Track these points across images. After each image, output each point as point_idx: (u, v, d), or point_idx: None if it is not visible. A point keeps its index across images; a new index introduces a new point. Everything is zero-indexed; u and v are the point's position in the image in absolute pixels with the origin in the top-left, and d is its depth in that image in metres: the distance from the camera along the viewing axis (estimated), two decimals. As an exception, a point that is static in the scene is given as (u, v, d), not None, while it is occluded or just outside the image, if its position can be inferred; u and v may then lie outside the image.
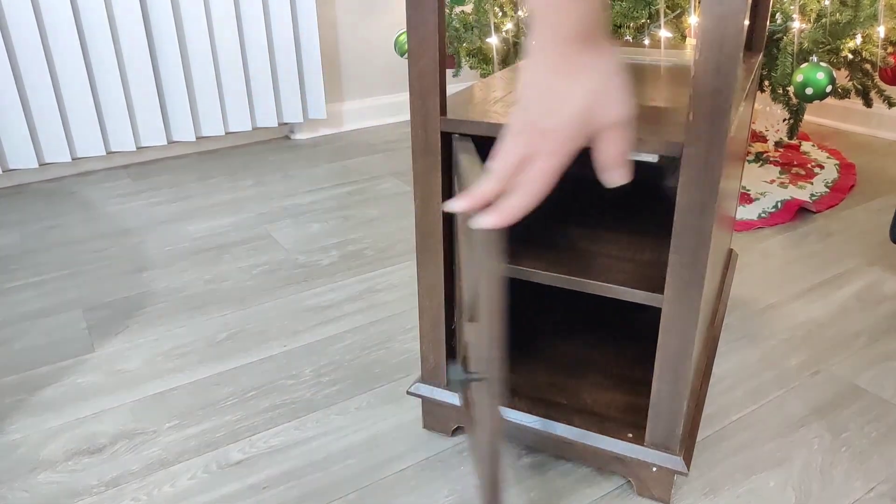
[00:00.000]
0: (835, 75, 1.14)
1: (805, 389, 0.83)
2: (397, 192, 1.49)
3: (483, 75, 1.49)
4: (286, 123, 1.87)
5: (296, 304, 1.03)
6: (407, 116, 2.07)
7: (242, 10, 1.65)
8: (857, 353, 0.89)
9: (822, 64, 1.13)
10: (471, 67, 1.48)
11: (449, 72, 1.89)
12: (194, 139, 1.69)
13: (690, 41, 1.18)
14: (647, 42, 1.22)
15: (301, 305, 1.03)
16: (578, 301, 0.89)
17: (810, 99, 1.14)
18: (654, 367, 0.62)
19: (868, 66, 1.39)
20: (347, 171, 1.63)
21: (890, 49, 1.35)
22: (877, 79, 1.41)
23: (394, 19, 1.95)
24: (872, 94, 1.42)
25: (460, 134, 0.62)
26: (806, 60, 1.19)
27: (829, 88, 1.13)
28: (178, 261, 1.19)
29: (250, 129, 1.75)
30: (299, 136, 1.90)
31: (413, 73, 0.61)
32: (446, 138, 0.62)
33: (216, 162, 1.72)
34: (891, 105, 1.44)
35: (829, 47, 1.20)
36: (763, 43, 0.86)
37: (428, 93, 0.61)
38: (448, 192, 0.64)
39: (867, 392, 0.82)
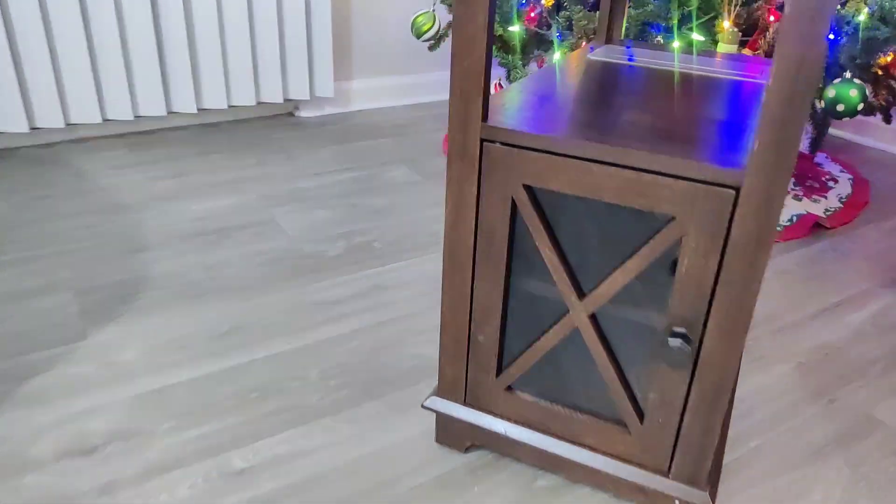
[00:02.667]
0: (868, 92, 1.11)
1: (822, 418, 0.81)
2: (407, 182, 1.44)
3: (503, 64, 1.44)
4: (291, 100, 1.80)
5: (301, 298, 0.99)
6: (419, 99, 2.00)
7: (251, -21, 1.58)
8: (872, 381, 0.88)
9: (856, 80, 1.10)
10: (489, 56, 1.42)
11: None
12: (195, 111, 1.62)
13: (723, 47, 1.14)
14: (675, 45, 1.18)
15: (306, 300, 0.99)
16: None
17: (840, 116, 1.11)
18: (687, 397, 0.59)
19: (893, 83, 1.36)
20: (355, 155, 1.57)
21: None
22: (902, 96, 1.38)
23: (409, -3, 1.87)
24: (893, 110, 1.39)
25: (501, 143, 0.57)
26: (839, 76, 1.16)
27: (860, 106, 1.09)
28: (177, 243, 1.14)
29: (254, 103, 1.68)
30: (304, 113, 1.84)
31: (456, 72, 0.56)
32: (484, 145, 0.58)
33: (217, 136, 1.65)
34: (913, 124, 1.41)
35: (861, 63, 1.17)
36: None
37: (471, 95, 0.56)
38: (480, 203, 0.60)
39: (884, 424, 0.80)
